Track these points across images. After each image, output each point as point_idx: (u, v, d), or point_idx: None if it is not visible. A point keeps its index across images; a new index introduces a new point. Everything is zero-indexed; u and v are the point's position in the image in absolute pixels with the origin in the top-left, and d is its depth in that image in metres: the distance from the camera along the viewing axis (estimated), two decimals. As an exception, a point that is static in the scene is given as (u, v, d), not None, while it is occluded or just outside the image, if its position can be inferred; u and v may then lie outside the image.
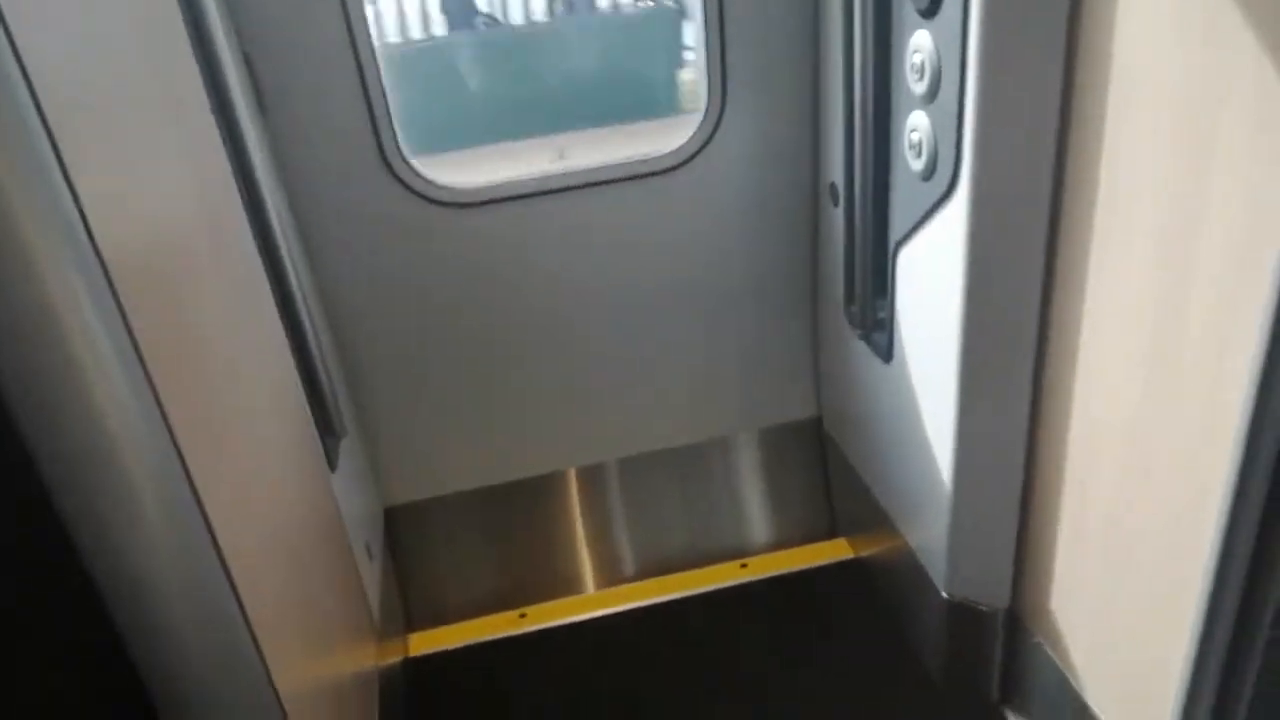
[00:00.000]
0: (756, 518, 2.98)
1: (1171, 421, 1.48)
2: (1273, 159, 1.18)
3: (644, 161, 2.47)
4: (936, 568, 2.19)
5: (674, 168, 2.48)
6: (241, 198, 1.74)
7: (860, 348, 2.36)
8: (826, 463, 2.91)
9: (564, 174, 2.45)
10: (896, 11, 1.84)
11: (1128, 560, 1.68)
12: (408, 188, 2.36)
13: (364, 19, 2.16)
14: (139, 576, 1.02)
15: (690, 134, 2.46)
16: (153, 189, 1.24)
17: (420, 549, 2.84)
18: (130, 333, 0.97)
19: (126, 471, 0.97)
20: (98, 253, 0.93)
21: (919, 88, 1.78)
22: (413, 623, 2.79)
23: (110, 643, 1.04)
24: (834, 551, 2.86)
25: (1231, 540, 1.37)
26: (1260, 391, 1.26)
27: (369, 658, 2.12)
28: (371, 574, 2.35)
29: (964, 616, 2.17)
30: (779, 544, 2.93)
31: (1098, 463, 1.73)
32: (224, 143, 1.68)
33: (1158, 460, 1.54)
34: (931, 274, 1.91)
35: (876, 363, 2.27)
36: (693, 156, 2.47)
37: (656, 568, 2.88)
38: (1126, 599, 1.71)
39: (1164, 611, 1.58)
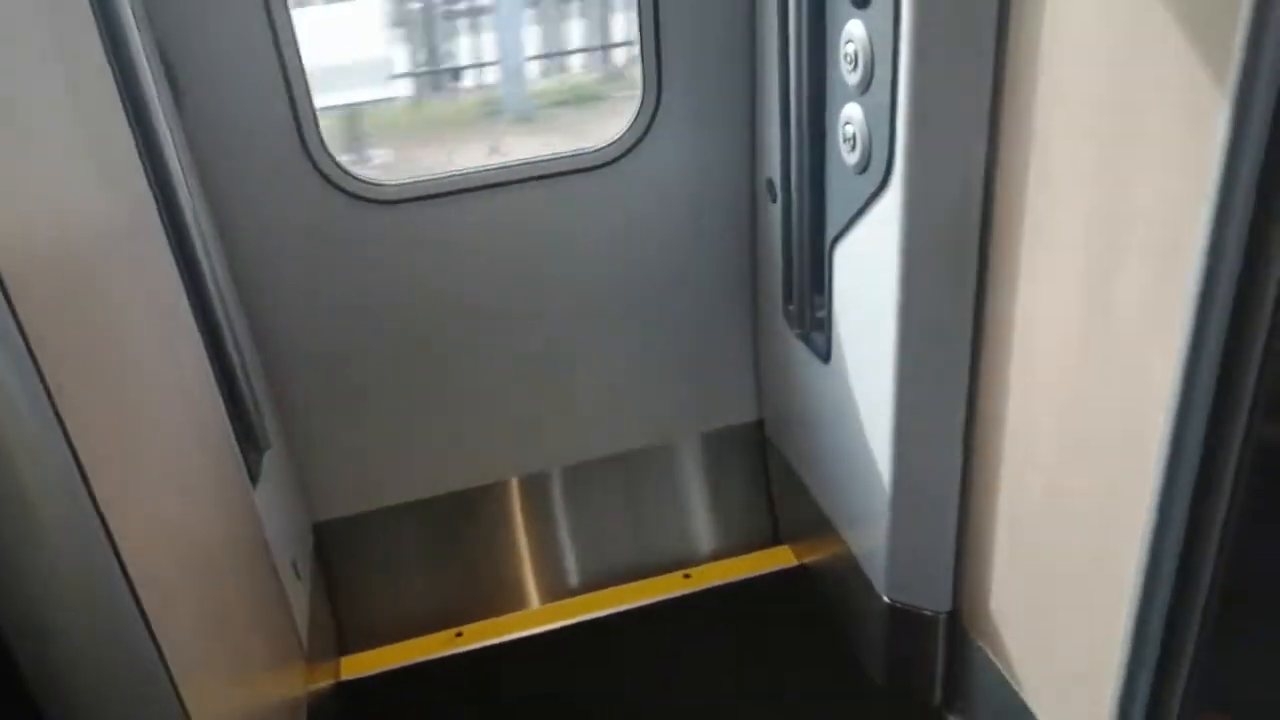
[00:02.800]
0: (700, 525, 2.92)
1: (1103, 413, 1.46)
2: (1196, 150, 1.17)
3: (578, 156, 2.41)
4: (878, 572, 2.15)
5: (609, 162, 2.42)
6: (155, 195, 1.66)
7: (799, 348, 2.32)
8: (768, 468, 2.87)
9: (495, 169, 2.38)
10: (831, 1, 1.81)
11: (1062, 557, 1.65)
12: (332, 183, 2.27)
13: (285, 5, 2.08)
14: (36, 598, 0.95)
15: (626, 127, 2.41)
16: (49, 185, 1.16)
17: (353, 566, 2.73)
18: (23, 334, 0.91)
19: (20, 484, 0.90)
20: None
21: (853, 79, 1.75)
22: (345, 644, 2.68)
23: (3, 669, 0.97)
24: (777, 559, 2.81)
25: (1162, 533, 1.34)
26: (1186, 379, 1.23)
27: (296, 682, 2.03)
28: (299, 594, 2.25)
29: (906, 621, 2.13)
30: (723, 552, 2.88)
31: (1033, 459, 1.70)
32: (135, 137, 1.61)
33: (1090, 453, 1.52)
34: (867, 270, 1.88)
35: (815, 363, 2.23)
36: (628, 151, 2.42)
37: (600, 580, 2.80)
38: (1062, 596, 1.68)
39: (1099, 608, 1.55)
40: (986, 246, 1.71)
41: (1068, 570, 1.65)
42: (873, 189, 1.76)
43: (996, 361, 1.75)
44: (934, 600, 2.08)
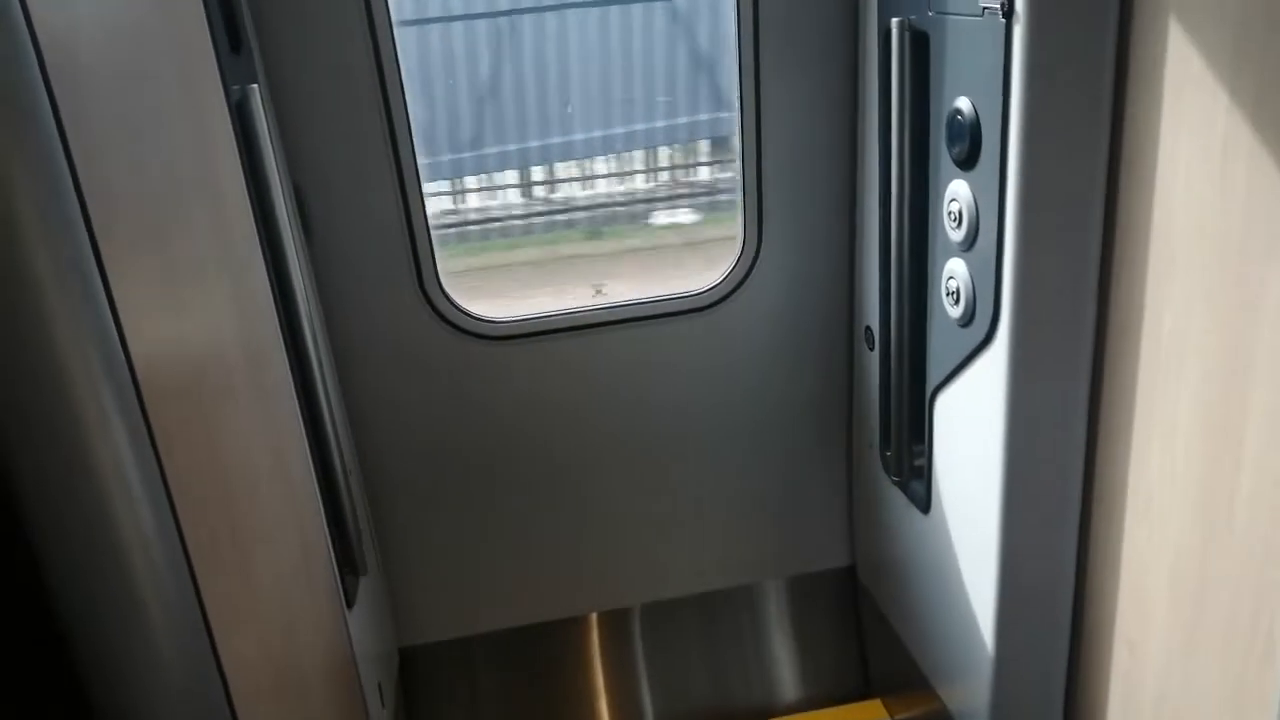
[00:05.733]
0: (785, 673, 2.84)
1: (1224, 578, 1.40)
2: None
3: (680, 298, 2.48)
4: (978, 736, 2.05)
5: (709, 306, 2.48)
6: (280, 323, 1.76)
7: (897, 496, 2.29)
8: (860, 616, 2.79)
9: (599, 309, 2.46)
10: (934, 161, 1.86)
11: None
12: (443, 319, 2.37)
13: (412, 155, 2.23)
14: (139, 697, 0.98)
15: (726, 273, 2.47)
16: (193, 309, 1.25)
17: (433, 693, 2.72)
18: (155, 450, 0.96)
19: (137, 590, 0.94)
20: (131, 369, 0.93)
21: (956, 235, 1.78)
22: None
23: None
24: (868, 714, 2.70)
25: None
26: None
27: None
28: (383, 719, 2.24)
29: None
30: (809, 702, 2.78)
31: (1147, 623, 1.63)
32: (267, 269, 1.71)
33: (1211, 620, 1.45)
34: (971, 422, 1.87)
35: (914, 512, 2.20)
36: (728, 295, 2.48)
37: None
38: None
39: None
40: (1097, 405, 1.69)
41: (1190, 749, 1.56)
42: (977, 343, 1.77)
43: (1108, 519, 1.70)
44: (1040, 770, 1.98)
